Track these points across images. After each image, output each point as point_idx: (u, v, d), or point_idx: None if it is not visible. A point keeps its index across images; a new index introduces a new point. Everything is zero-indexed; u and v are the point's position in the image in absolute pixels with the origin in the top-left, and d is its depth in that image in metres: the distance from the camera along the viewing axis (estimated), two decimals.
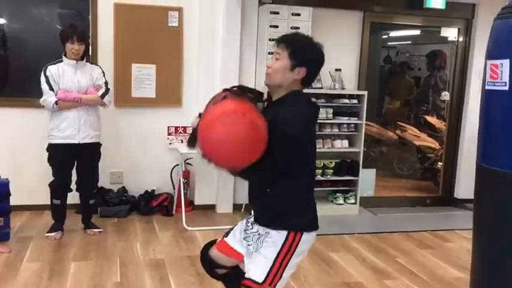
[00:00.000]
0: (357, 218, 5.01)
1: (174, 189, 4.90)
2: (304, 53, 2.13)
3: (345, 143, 5.04)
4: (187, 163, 4.89)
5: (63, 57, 3.88)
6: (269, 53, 4.66)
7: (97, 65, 4.23)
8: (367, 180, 5.28)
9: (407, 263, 3.78)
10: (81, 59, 3.92)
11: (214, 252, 2.37)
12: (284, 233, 2.10)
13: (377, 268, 3.67)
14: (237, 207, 4.92)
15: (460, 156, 5.57)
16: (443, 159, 5.76)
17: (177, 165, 4.86)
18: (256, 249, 2.16)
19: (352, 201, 5.11)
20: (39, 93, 3.87)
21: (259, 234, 2.18)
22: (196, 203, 4.95)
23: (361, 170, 5.05)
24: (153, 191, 4.88)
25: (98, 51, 4.65)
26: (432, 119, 6.67)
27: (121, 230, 4.27)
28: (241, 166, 1.98)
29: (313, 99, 4.78)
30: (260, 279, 2.08)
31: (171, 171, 4.93)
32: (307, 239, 2.14)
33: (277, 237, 2.11)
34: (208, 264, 2.40)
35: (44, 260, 3.55)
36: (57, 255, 3.67)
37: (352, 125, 5.03)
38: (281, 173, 2.06)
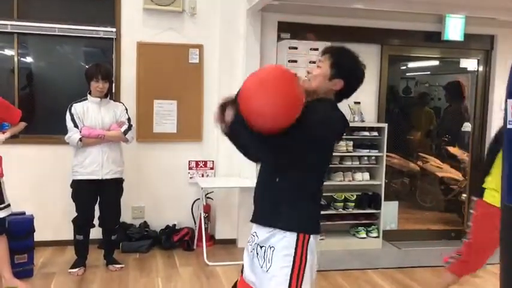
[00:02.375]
0: (380, 252, 4.92)
1: (195, 223, 4.90)
2: (346, 66, 2.14)
3: (366, 175, 5.00)
4: (208, 197, 4.91)
5: (88, 95, 3.98)
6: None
7: (120, 102, 4.33)
8: (389, 213, 5.21)
9: None
10: (105, 96, 4.02)
11: None
12: (293, 237, 2.04)
13: None
14: None
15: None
16: (467, 190, 5.65)
17: (198, 199, 4.87)
18: (267, 269, 2.06)
19: (375, 234, 5.03)
20: (64, 131, 3.97)
21: (263, 248, 2.09)
22: (217, 237, 4.93)
23: (383, 202, 4.99)
24: (174, 225, 4.89)
25: (120, 88, 4.77)
26: (454, 150, 6.59)
27: (142, 266, 4.27)
28: (277, 126, 1.94)
29: None
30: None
31: (192, 206, 4.94)
32: (315, 242, 2.08)
33: (285, 247, 2.03)
34: None
35: None
36: None
37: (373, 158, 5.01)
38: (292, 168, 2.04)
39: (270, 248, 2.07)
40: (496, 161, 3.10)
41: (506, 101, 1.50)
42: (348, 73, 2.14)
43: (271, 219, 2.10)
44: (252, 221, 2.21)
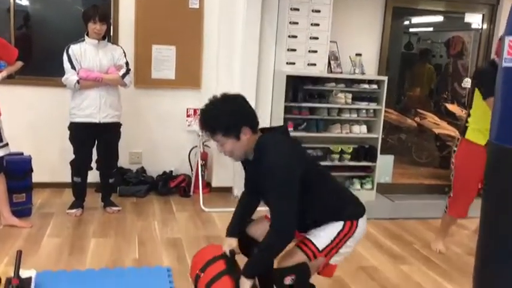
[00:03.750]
0: (374, 203, 5.00)
1: (191, 170, 4.95)
2: (232, 120, 2.14)
3: (364, 128, 5.01)
4: (205, 145, 4.92)
5: (85, 36, 3.91)
6: (289, 36, 4.65)
7: (118, 45, 4.27)
8: (384, 166, 5.26)
9: (424, 249, 3.77)
10: (103, 38, 3.95)
11: (259, 225, 2.43)
12: (341, 221, 2.24)
13: (393, 253, 3.68)
14: None
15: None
16: None
17: (195, 147, 4.89)
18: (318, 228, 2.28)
19: (369, 186, 5.10)
20: (61, 73, 3.92)
21: None
22: (213, 185, 4.99)
23: (379, 156, 5.03)
24: (171, 172, 4.93)
25: (118, 31, 4.68)
26: (453, 107, 6.58)
27: (139, 209, 4.34)
28: None
29: (332, 84, 4.80)
30: (320, 247, 2.21)
31: (189, 153, 4.97)
32: (362, 222, 2.28)
33: (334, 224, 2.25)
34: (247, 241, 2.43)
35: (64, 236, 3.63)
36: (77, 231, 3.75)
37: (371, 111, 5.00)
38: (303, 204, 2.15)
39: None
40: (474, 101, 3.26)
41: (504, 38, 1.47)
42: (240, 119, 2.15)
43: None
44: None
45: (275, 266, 2.27)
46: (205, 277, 2.23)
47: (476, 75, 3.50)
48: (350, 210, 2.28)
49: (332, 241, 2.22)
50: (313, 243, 2.22)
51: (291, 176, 2.09)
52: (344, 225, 2.23)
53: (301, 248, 2.22)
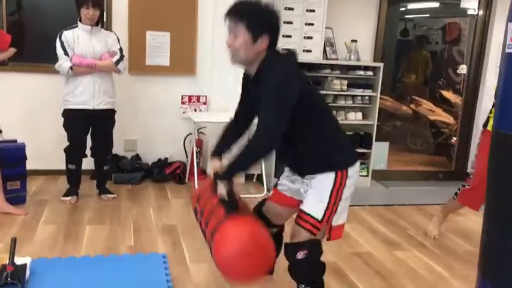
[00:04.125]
0: (369, 190, 5.02)
1: (187, 157, 4.94)
2: (262, 20, 2.05)
3: (359, 115, 5.01)
4: (200, 132, 4.91)
5: (78, 22, 3.87)
6: (284, 22, 4.61)
7: (112, 31, 4.22)
8: (379, 153, 5.27)
9: (418, 235, 3.80)
10: (96, 24, 3.91)
11: (268, 205, 2.42)
12: (331, 174, 2.16)
13: (387, 239, 3.70)
14: (249, 176, 4.95)
15: (475, 131, 5.51)
16: (458, 134, 5.71)
17: (190, 134, 4.88)
18: (306, 191, 2.23)
19: (364, 173, 5.11)
20: (54, 59, 3.88)
21: (303, 179, 2.27)
22: (208, 171, 4.98)
23: (374, 142, 5.03)
24: (166, 159, 4.92)
25: (112, 17, 4.63)
26: (448, 94, 6.59)
27: (135, 197, 4.34)
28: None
29: (328, 71, 4.79)
30: (319, 217, 2.17)
31: (184, 140, 4.96)
32: (353, 171, 2.21)
33: (324, 180, 2.17)
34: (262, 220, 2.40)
35: (59, 223, 3.62)
36: (72, 218, 3.74)
37: (367, 97, 5.00)
38: (296, 131, 2.10)
39: (311, 177, 2.22)
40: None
41: (507, 25, 1.47)
42: (268, 26, 2.07)
43: (307, 173, 2.24)
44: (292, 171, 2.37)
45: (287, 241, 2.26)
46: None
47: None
48: (341, 158, 2.20)
49: (328, 204, 2.16)
50: (311, 216, 2.17)
51: (290, 93, 2.02)
52: (335, 180, 2.16)
53: (301, 225, 2.19)
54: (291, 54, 2.19)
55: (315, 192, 2.19)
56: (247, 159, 2.11)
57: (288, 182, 2.37)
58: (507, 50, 1.45)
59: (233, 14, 2.07)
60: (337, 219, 2.24)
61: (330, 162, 2.18)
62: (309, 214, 2.18)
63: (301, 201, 2.26)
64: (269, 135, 2.03)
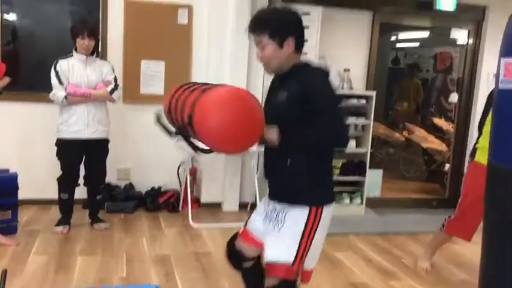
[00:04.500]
0: (363, 218, 5.00)
1: (180, 186, 4.91)
2: (282, 25, 2.08)
3: (352, 143, 5.03)
4: (194, 160, 4.90)
5: (74, 52, 3.90)
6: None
7: (106, 60, 4.26)
8: (373, 181, 5.28)
9: (413, 264, 3.77)
10: (91, 54, 3.94)
11: (238, 243, 2.33)
12: (306, 209, 2.08)
13: (383, 269, 3.67)
14: (243, 205, 4.92)
15: (468, 159, 5.54)
16: (451, 161, 5.74)
17: (184, 162, 4.87)
18: (279, 228, 2.11)
19: (358, 201, 5.10)
20: (49, 88, 3.89)
21: (276, 211, 2.15)
22: (202, 200, 4.96)
23: (367, 170, 5.05)
24: (160, 187, 4.90)
25: (107, 47, 4.67)
26: (440, 121, 6.66)
27: (127, 226, 4.29)
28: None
29: None
30: (290, 260, 2.07)
31: (178, 168, 4.94)
32: (328, 212, 2.13)
33: (298, 214, 2.08)
34: (235, 256, 2.35)
35: (51, 254, 3.57)
36: (64, 249, 3.69)
37: (360, 126, 5.03)
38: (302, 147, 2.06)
39: (284, 211, 2.13)
40: (487, 121, 3.19)
41: (499, 60, 1.49)
42: (289, 28, 2.08)
43: (285, 197, 2.14)
44: (270, 197, 2.25)
45: None
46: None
47: (490, 96, 3.45)
48: (322, 191, 2.14)
49: (300, 245, 2.07)
50: (280, 263, 2.07)
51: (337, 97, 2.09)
52: (307, 220, 2.06)
53: (274, 276, 2.08)
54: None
55: (286, 232, 2.08)
56: (315, 136, 2.00)
57: (260, 220, 2.26)
58: (500, 86, 1.48)
59: (254, 27, 2.11)
60: (310, 263, 2.17)
61: (311, 194, 2.10)
62: (277, 262, 2.08)
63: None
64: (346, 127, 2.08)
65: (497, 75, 1.50)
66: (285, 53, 2.08)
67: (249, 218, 2.37)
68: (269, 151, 2.21)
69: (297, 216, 2.09)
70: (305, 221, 2.08)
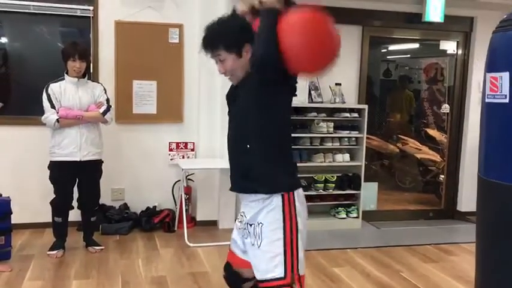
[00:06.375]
0: (360, 232, 4.98)
1: (175, 205, 4.89)
2: (234, 35, 2.06)
3: (346, 156, 5.03)
4: (189, 179, 4.89)
5: (65, 75, 3.90)
6: None
7: (98, 82, 4.26)
8: (369, 194, 5.27)
9: (412, 278, 3.75)
10: (83, 76, 3.94)
11: (234, 265, 2.28)
12: (277, 199, 2.02)
13: (381, 283, 3.64)
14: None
15: (462, 169, 5.56)
16: (445, 171, 5.74)
17: (179, 181, 4.85)
18: (258, 245, 2.04)
19: (355, 215, 5.09)
20: (41, 111, 3.88)
21: (252, 225, 2.08)
22: (198, 219, 4.93)
23: (363, 183, 5.04)
24: (155, 207, 4.86)
25: (99, 68, 4.68)
26: (433, 132, 6.68)
27: (123, 247, 4.25)
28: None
29: (314, 114, 4.85)
30: (281, 274, 1.98)
31: (173, 187, 4.92)
32: (301, 199, 2.07)
33: (272, 220, 2.02)
34: (234, 279, 2.29)
35: (45, 279, 3.52)
36: (58, 273, 3.64)
37: (353, 139, 5.04)
38: (261, 137, 2.04)
39: (259, 224, 2.06)
40: None
41: (485, 75, 1.51)
42: (243, 35, 2.06)
43: (250, 186, 2.08)
44: (231, 189, 2.20)
45: None
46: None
47: None
48: (288, 178, 2.08)
49: (285, 254, 1.98)
50: (273, 280, 1.99)
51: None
52: (284, 216, 2.00)
53: None
54: None
55: (267, 247, 2.02)
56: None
57: (239, 238, 2.21)
58: (486, 100, 1.49)
59: (208, 45, 2.09)
60: (302, 268, 2.07)
61: (277, 181, 2.04)
62: (270, 280, 1.99)
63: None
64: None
65: (483, 90, 1.52)
66: (245, 60, 2.07)
67: (232, 237, 2.29)
68: (232, 136, 2.20)
69: (273, 223, 2.02)
70: (282, 225, 2.01)
